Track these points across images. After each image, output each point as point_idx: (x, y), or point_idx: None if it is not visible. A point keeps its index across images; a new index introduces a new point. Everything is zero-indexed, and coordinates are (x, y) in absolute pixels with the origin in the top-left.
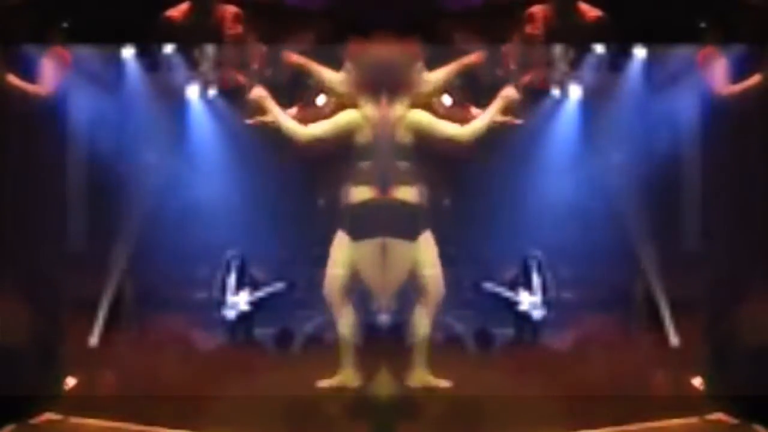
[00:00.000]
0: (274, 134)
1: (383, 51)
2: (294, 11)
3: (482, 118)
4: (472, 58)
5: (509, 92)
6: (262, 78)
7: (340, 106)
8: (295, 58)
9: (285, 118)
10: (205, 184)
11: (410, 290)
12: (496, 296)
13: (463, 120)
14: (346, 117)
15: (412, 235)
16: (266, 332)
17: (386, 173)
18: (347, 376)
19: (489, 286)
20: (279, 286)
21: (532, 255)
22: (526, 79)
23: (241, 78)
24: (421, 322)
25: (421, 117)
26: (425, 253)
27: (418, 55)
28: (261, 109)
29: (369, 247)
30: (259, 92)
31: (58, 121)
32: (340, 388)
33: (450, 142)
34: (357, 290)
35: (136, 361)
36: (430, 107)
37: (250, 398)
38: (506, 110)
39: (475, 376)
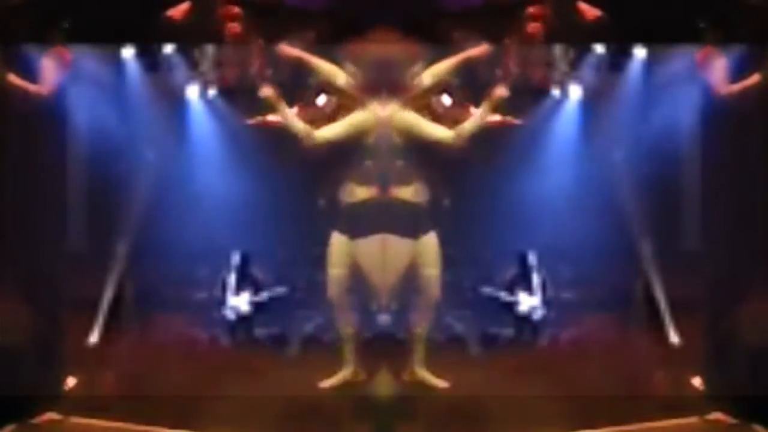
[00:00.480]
0: (274, 134)
1: (383, 51)
2: (294, 11)
3: (471, 121)
4: (476, 51)
5: (500, 92)
6: (262, 78)
7: (341, 106)
8: (291, 50)
9: (295, 121)
10: (205, 184)
11: (409, 290)
12: (495, 299)
13: (463, 120)
14: (358, 118)
15: (412, 232)
16: (266, 332)
17: (385, 172)
18: (350, 373)
19: (487, 290)
20: (280, 290)
21: (531, 255)
22: (515, 74)
23: (260, 73)
24: (418, 322)
25: (409, 119)
26: (426, 253)
27: (418, 55)
28: (271, 108)
29: (368, 243)
30: (268, 92)
31: (58, 121)
32: (344, 384)
33: (438, 145)
34: (358, 289)
35: (136, 361)
36: (430, 107)
37: (250, 398)
38: (496, 108)
39: (475, 377)
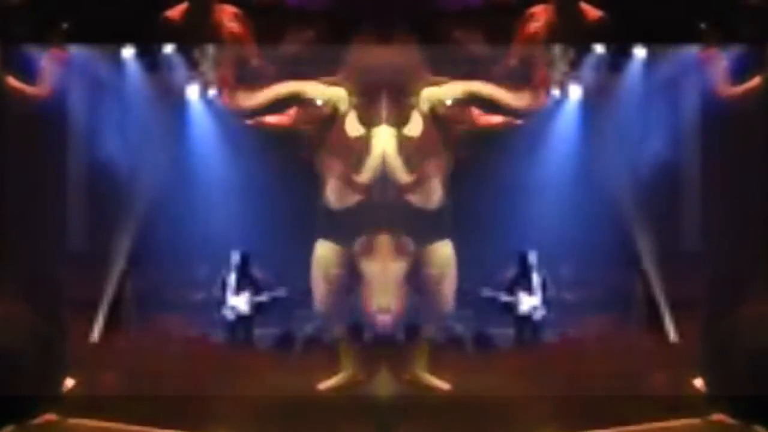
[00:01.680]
0: (274, 134)
1: (383, 54)
2: (294, 11)
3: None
4: (507, 96)
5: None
6: (261, 77)
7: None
8: (257, 101)
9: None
10: (205, 184)
11: (414, 292)
12: (495, 300)
13: (463, 121)
14: (381, 145)
15: (416, 234)
16: (266, 333)
17: (387, 176)
18: (349, 375)
19: (487, 291)
20: (280, 293)
21: (531, 255)
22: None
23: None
24: (423, 326)
25: (389, 150)
26: (437, 259)
27: (418, 58)
28: None
29: (367, 242)
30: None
31: (58, 122)
32: (342, 386)
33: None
34: (355, 291)
35: (136, 361)
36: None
37: (250, 398)
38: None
39: (475, 377)
